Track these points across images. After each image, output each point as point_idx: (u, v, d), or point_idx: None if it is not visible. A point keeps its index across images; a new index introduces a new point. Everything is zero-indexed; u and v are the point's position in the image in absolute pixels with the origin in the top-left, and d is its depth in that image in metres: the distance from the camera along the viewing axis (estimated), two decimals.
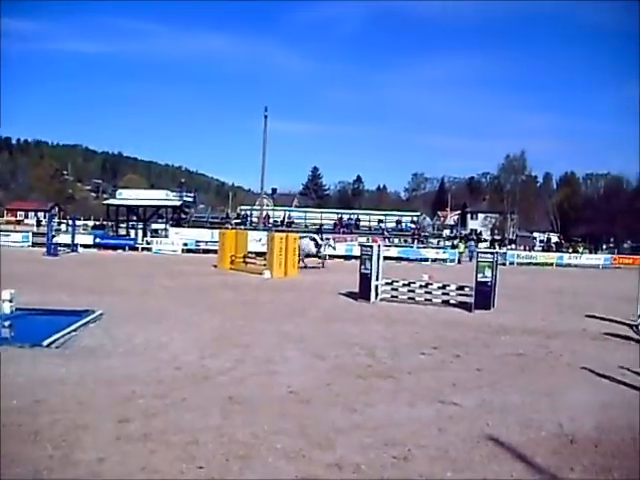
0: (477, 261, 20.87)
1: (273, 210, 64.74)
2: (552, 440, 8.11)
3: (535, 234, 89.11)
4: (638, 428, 8.65)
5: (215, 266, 34.66)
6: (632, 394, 10.62)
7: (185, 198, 58.76)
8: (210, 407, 8.69)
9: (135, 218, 60.52)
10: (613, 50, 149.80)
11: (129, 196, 57.19)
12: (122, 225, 60.80)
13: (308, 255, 36.90)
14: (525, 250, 63.36)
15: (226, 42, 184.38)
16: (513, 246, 71.27)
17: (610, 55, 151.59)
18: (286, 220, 59.68)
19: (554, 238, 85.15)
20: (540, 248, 70.08)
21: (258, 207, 61.55)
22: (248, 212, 62.85)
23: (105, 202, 59.46)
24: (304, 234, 40.47)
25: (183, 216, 59.40)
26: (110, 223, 61.01)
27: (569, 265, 52.34)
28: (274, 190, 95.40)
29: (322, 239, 39.71)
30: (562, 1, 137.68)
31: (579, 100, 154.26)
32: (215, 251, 38.97)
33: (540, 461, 7.33)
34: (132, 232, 58.29)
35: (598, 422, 8.94)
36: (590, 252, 66.16)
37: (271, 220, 59.10)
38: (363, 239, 47.66)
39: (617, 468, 7.28)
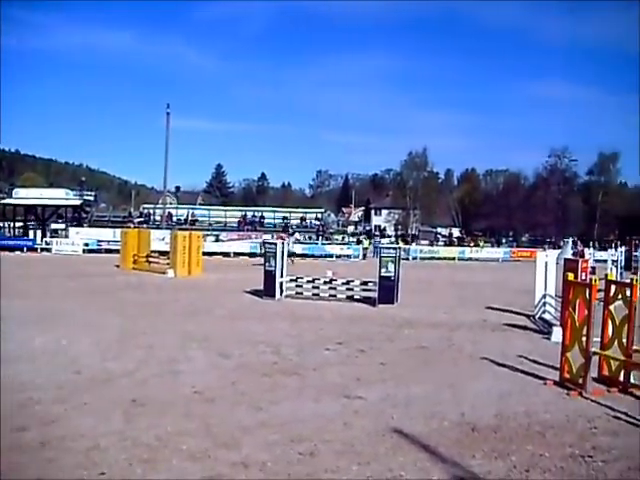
0: (380, 256, 21.17)
1: (177, 208, 63.99)
2: (454, 429, 8.29)
3: (437, 229, 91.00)
4: (534, 414, 9.01)
5: (118, 266, 33.95)
6: (529, 381, 11.02)
7: (86, 197, 57.41)
8: (112, 411, 8.47)
9: (33, 218, 58.63)
10: (514, 47, 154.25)
11: (27, 195, 55.48)
12: (19, 225, 58.80)
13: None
14: (428, 245, 64.71)
15: (129, 37, 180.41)
16: (417, 241, 72.64)
17: (511, 52, 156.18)
18: (190, 218, 59.05)
19: (456, 233, 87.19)
20: (442, 243, 71.63)
21: (161, 205, 60.63)
22: (151, 211, 61.94)
23: (1, 202, 57.31)
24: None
25: (84, 215, 57.99)
26: (7, 223, 58.82)
27: (470, 259, 53.72)
28: (178, 188, 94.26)
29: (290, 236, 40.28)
30: (464, 1, 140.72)
31: (479, 98, 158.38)
32: (118, 251, 38.16)
33: (443, 450, 7.47)
34: (30, 232, 56.37)
35: (498, 410, 9.20)
36: (492, 246, 68.11)
37: (174, 218, 58.35)
38: (268, 236, 47.61)
39: (515, 452, 7.50)
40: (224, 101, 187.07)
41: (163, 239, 41.74)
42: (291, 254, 38.84)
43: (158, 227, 53.09)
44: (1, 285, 20.34)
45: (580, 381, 10.46)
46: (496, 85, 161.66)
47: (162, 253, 34.55)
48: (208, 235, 49.57)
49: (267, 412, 8.67)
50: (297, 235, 39.99)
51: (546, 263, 18.71)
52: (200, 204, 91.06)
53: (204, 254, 34.57)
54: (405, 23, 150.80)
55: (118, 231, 42.96)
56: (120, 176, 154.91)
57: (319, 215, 62.92)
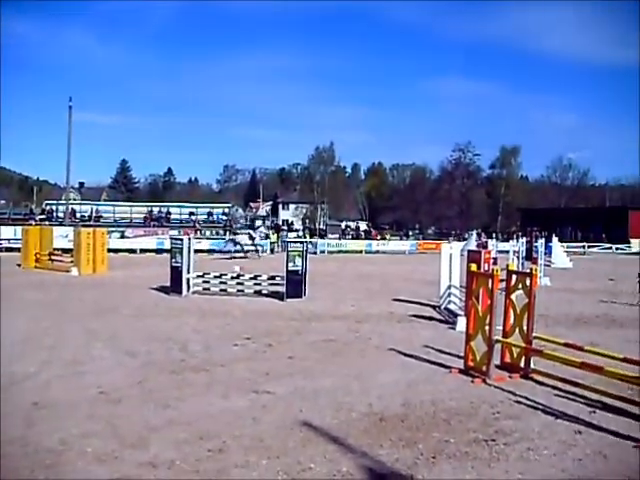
0: (287, 250, 21.21)
1: (80, 204, 62.33)
2: (363, 420, 8.40)
3: (345, 223, 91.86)
4: (440, 402, 9.25)
5: (19, 265, 32.78)
6: (435, 370, 11.28)
7: None
8: (13, 416, 8.17)
9: None
10: (418, 44, 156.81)
11: None
12: None
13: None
14: (335, 239, 65.18)
15: (29, 28, 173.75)
16: (325, 235, 73.05)
17: (416, 49, 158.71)
18: (94, 215, 57.64)
19: (363, 226, 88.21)
20: (350, 236, 72.27)
21: (64, 202, 58.92)
22: (54, 207, 60.00)
23: None
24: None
25: None
26: None
27: (378, 252, 54.43)
28: (81, 184, 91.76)
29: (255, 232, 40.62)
30: (370, 1, 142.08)
31: (386, 93, 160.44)
32: (19, 249, 36.83)
33: (352, 441, 7.56)
34: None
35: (405, 399, 9.39)
36: (400, 238, 69.22)
37: (78, 215, 56.84)
38: (174, 232, 47.01)
39: (422, 440, 7.68)
40: (129, 95, 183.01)
41: (66, 236, 40.56)
42: (256, 248, 39.19)
43: (61, 224, 51.54)
44: None
45: (484, 368, 10.78)
46: (401, 81, 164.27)
47: (65, 251, 33.58)
48: (113, 232, 48.48)
49: (175, 410, 8.57)
50: (262, 229, 40.36)
51: (450, 255, 19.17)
52: (105, 200, 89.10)
53: (109, 251, 33.84)
54: (311, 19, 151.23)
55: (19, 229, 41.45)
56: (21, 172, 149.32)
57: (226, 210, 62.49)
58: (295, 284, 20.37)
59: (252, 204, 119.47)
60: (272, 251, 50.31)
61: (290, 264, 20.53)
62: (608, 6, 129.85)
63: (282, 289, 20.50)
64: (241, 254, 40.12)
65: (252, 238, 40.08)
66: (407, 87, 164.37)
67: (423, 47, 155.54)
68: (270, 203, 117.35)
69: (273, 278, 21.21)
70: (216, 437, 7.54)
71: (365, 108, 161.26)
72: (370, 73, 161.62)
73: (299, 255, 20.71)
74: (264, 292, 21.06)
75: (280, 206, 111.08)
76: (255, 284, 21.33)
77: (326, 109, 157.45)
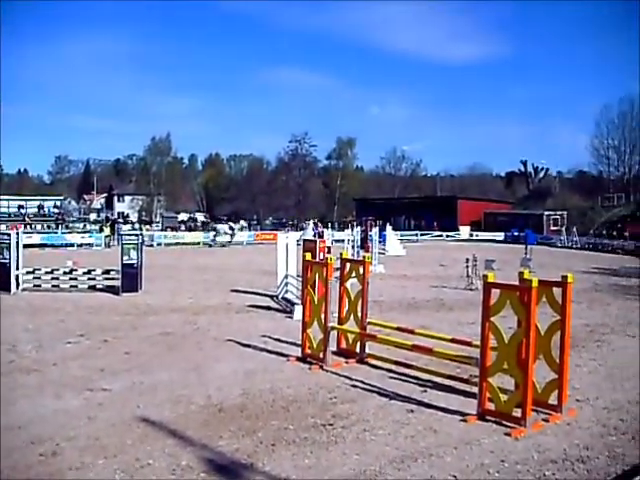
0: (122, 243, 20.67)
1: None
2: (202, 412, 8.39)
3: (182, 214, 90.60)
4: (278, 390, 9.41)
5: None
6: (273, 359, 11.44)
7: None
8: None
9: None
10: (255, 34, 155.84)
11: None
12: None
13: None
14: (172, 230, 64.16)
15: None
16: (160, 227, 71.73)
17: (252, 39, 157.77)
18: None
19: (201, 218, 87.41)
20: (187, 228, 71.35)
21: None
22: None
23: None
24: None
25: None
26: None
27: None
28: None
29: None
30: None
31: (223, 83, 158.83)
32: None
33: (191, 434, 7.54)
34: None
35: (244, 389, 9.46)
36: (241, 230, 69.04)
37: None
38: (2, 227, 44.48)
39: (261, 429, 7.77)
40: None
41: None
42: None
43: None
44: None
45: (320, 355, 11.04)
46: (238, 71, 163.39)
47: None
48: None
49: (4, 415, 8.12)
50: (232, 223, 39.31)
51: (287, 245, 19.40)
52: None
53: None
54: (145, 6, 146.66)
55: None
56: None
57: (58, 203, 59.92)
58: (131, 278, 19.91)
59: (86, 196, 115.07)
60: (107, 245, 48.78)
61: (125, 257, 20.04)
62: (441, 4, 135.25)
63: (117, 283, 19.97)
64: None
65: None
66: (244, 77, 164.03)
67: (261, 37, 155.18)
68: (105, 195, 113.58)
69: (108, 272, 20.62)
70: (49, 440, 7.25)
71: (202, 98, 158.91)
72: (207, 62, 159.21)
73: (134, 248, 20.27)
74: (99, 287, 20.44)
75: (115, 198, 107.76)
76: (89, 279, 20.66)
77: (162, 98, 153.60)
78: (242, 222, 44.57)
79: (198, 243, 51.97)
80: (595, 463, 6.96)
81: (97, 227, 57.92)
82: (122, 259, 20.01)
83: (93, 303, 17.95)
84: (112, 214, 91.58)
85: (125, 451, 6.98)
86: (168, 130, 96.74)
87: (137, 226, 65.80)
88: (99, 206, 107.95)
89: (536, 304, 8.02)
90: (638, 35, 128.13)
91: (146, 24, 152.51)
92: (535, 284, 7.88)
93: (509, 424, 7.96)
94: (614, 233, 52.48)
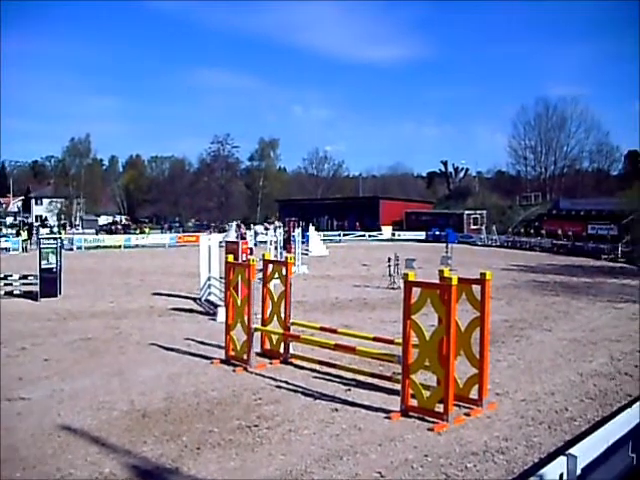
0: (40, 248, 20.14)
1: None
2: (125, 418, 8.27)
3: (103, 217, 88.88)
4: (203, 393, 9.36)
5: None
6: (197, 362, 11.36)
7: None
8: None
9: None
10: (177, 35, 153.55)
11: None
12: None
13: None
14: (93, 234, 62.86)
15: None
16: (80, 230, 70.21)
17: (174, 40, 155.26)
18: None
19: (122, 220, 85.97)
20: (108, 231, 70.00)
21: None
22: None
23: None
24: None
25: None
26: None
27: (137, 246, 53.18)
28: None
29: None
30: None
31: (143, 84, 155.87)
32: None
33: (114, 440, 7.43)
34: None
35: (167, 393, 9.38)
36: (163, 232, 68.10)
37: None
38: None
39: (186, 432, 7.72)
40: None
41: None
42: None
43: None
44: None
45: (244, 357, 11.03)
46: (160, 71, 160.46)
47: None
48: None
49: None
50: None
51: (209, 247, 19.30)
52: None
53: None
54: (67, 4, 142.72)
55: None
56: None
57: None
58: (50, 282, 19.42)
59: (1, 199, 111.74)
60: (25, 249, 47.42)
61: (43, 262, 19.54)
62: (361, 4, 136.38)
63: (36, 288, 19.44)
64: None
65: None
66: (166, 78, 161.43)
67: (183, 37, 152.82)
68: (22, 198, 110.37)
69: (25, 277, 20.08)
70: None
71: (123, 98, 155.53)
72: (128, 62, 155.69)
73: (53, 252, 19.80)
74: (16, 292, 19.84)
75: (33, 201, 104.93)
76: (6, 284, 20.04)
77: (81, 98, 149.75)
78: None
79: (119, 246, 51.06)
80: (514, 453, 7.20)
81: (14, 231, 56.26)
82: (40, 263, 19.52)
83: (10, 309, 17.38)
84: (29, 217, 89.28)
85: (45, 462, 6.83)
86: (87, 131, 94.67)
87: (57, 229, 64.18)
88: (16, 209, 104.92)
89: (456, 301, 8.20)
90: (553, 36, 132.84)
91: (66, 23, 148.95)
92: (455, 282, 8.06)
93: (432, 419, 8.14)
94: (532, 231, 53.83)
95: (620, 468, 6.16)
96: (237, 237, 31.96)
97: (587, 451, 5.39)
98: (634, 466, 6.40)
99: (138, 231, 65.48)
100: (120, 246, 51.23)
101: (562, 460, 5.02)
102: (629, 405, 7.36)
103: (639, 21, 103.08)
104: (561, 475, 4.94)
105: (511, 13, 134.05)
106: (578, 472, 5.08)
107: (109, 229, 70.18)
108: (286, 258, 12.22)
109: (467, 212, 62.82)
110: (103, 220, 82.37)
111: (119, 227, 72.66)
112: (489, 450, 7.27)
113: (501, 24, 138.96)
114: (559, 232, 49.28)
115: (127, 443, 7.36)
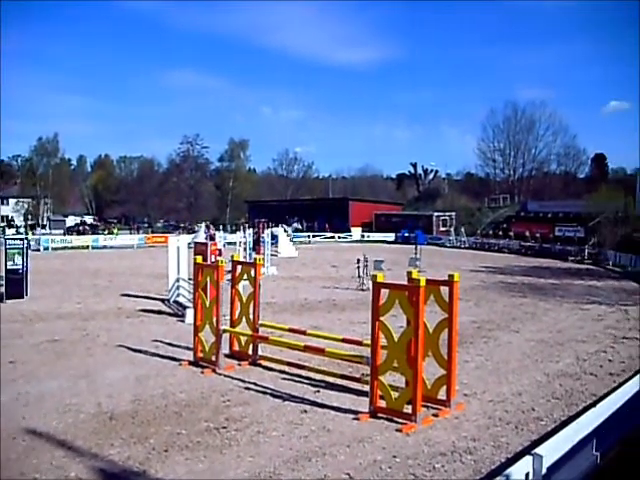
0: (6, 249, 19.88)
1: None
2: (91, 421, 8.19)
3: (70, 218, 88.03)
4: (171, 394, 9.31)
5: None
6: (165, 364, 11.30)
7: None
8: None
9: None
10: (146, 33, 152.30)
11: None
12: None
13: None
14: (60, 234, 62.18)
15: None
16: (47, 230, 69.44)
17: (146, 40, 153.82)
18: None
19: (89, 220, 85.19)
20: (75, 231, 69.31)
21: None
22: None
23: None
24: None
25: None
26: None
27: (105, 247, 52.75)
28: None
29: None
30: None
31: (113, 84, 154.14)
32: None
33: (81, 444, 7.36)
34: None
35: (135, 395, 9.31)
36: (131, 232, 67.56)
37: None
38: None
39: (153, 435, 7.68)
40: None
41: None
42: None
43: None
44: None
45: (213, 358, 10.99)
46: (129, 71, 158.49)
47: None
48: None
49: None
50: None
51: (178, 248, 19.19)
52: None
53: None
54: (37, 2, 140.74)
55: None
56: None
57: None
58: (15, 284, 19.16)
59: None
60: None
61: (9, 263, 19.29)
62: (331, 5, 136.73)
63: (1, 290, 19.18)
64: None
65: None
66: (136, 78, 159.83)
67: (152, 38, 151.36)
68: None
69: None
70: None
71: (91, 98, 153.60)
72: (97, 61, 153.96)
73: (19, 253, 19.54)
74: None
75: None
76: None
77: (49, 97, 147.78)
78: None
79: (87, 247, 50.59)
80: (481, 453, 7.27)
81: None
82: (6, 265, 19.26)
83: None
84: None
85: (9, 467, 6.73)
86: (56, 130, 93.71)
87: (23, 230, 63.39)
88: None
89: (424, 303, 8.25)
90: (522, 39, 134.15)
91: (35, 20, 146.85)
92: (423, 283, 8.10)
93: (400, 420, 8.18)
94: (500, 233, 54.37)
95: (585, 466, 6.26)
96: (206, 238, 31.80)
97: (553, 450, 5.47)
98: (598, 464, 6.50)
99: (106, 232, 65.01)
100: (88, 247, 50.80)
101: (528, 459, 5.09)
102: (594, 405, 7.46)
103: (607, 25, 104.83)
104: (527, 474, 5.01)
105: (481, 15, 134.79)
106: (544, 471, 5.15)
107: (77, 230, 69.34)
108: (255, 259, 12.20)
109: (436, 214, 63.26)
110: (71, 221, 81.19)
111: (87, 228, 71.85)
112: (457, 450, 7.32)
113: (471, 27, 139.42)
114: (527, 234, 49.86)
115: (94, 446, 7.29)
